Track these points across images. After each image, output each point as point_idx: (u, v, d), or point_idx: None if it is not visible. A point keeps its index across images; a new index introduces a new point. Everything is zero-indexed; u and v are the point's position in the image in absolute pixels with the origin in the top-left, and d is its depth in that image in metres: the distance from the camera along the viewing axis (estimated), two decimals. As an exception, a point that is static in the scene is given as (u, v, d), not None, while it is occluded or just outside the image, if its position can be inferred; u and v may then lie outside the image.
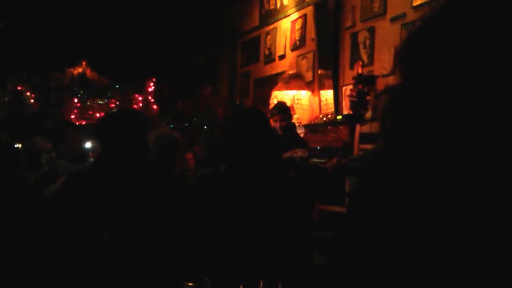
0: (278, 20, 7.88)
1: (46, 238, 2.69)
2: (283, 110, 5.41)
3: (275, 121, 5.26)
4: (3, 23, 9.04)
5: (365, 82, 5.38)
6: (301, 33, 7.28)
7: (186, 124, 8.61)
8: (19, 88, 9.85)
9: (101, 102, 9.98)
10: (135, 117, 2.77)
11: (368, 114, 5.24)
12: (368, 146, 4.75)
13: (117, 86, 10.27)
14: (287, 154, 4.76)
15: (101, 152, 2.72)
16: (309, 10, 7.04)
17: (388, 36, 5.58)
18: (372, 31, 5.89)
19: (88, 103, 10.04)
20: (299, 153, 4.87)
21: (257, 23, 8.50)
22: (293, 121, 5.65)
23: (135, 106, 9.77)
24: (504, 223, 0.63)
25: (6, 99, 9.66)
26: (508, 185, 0.63)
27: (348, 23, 6.31)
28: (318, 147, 5.67)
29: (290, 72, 6.95)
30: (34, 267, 3.15)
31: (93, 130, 2.89)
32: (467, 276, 0.65)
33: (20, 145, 6.28)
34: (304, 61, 7.14)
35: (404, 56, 0.76)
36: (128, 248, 2.44)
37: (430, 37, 0.72)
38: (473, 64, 0.66)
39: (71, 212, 2.47)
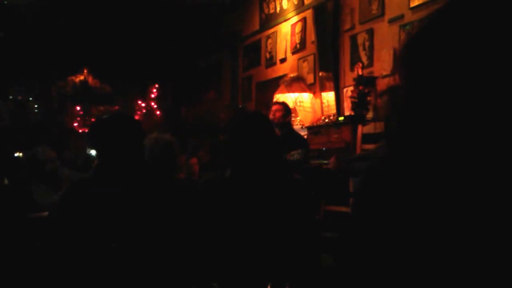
0: (278, 24, 7.92)
1: (51, 247, 2.68)
2: (285, 104, 5.59)
3: (275, 110, 5.32)
4: (3, 33, 9.06)
5: (365, 83, 5.43)
6: (301, 36, 7.31)
7: (190, 129, 8.63)
8: (21, 97, 9.87)
9: (104, 109, 9.99)
10: (126, 121, 2.71)
11: (369, 115, 5.27)
12: (370, 146, 4.78)
13: (119, 93, 10.28)
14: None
15: (100, 159, 2.70)
16: (308, 13, 7.07)
17: (387, 38, 5.61)
18: (371, 32, 5.92)
19: (91, 111, 10.05)
20: (295, 155, 4.90)
21: (257, 27, 8.53)
22: (289, 120, 5.62)
23: (138, 113, 9.78)
24: (503, 221, 0.64)
25: (8, 108, 9.67)
26: (506, 183, 0.64)
27: (347, 26, 6.35)
28: (324, 148, 5.70)
29: (292, 75, 6.98)
30: (37, 274, 3.15)
31: (87, 137, 2.84)
32: (469, 274, 0.66)
33: (21, 154, 6.28)
34: (305, 64, 7.17)
35: (405, 60, 0.77)
36: (134, 255, 2.44)
37: (430, 41, 0.72)
38: (473, 67, 0.66)
39: (75, 221, 2.46)
